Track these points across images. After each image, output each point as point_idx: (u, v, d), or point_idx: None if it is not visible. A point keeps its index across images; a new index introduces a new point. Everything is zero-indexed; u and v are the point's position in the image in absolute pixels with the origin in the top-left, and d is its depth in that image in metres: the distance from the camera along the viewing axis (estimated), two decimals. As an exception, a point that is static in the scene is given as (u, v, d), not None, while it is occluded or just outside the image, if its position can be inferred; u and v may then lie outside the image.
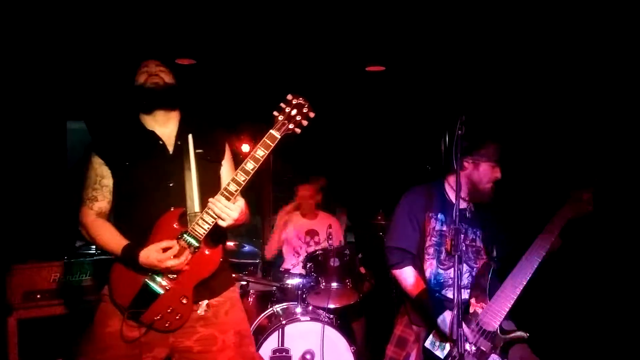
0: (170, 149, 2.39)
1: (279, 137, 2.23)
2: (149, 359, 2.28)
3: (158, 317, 2.24)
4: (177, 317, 2.26)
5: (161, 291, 2.24)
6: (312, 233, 4.84)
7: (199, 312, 2.32)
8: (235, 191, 2.20)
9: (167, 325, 2.26)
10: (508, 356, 2.55)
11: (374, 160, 6.07)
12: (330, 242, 4.02)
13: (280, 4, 3.58)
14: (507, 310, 2.53)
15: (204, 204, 2.26)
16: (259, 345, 3.49)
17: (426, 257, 2.78)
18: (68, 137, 4.64)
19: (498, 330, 2.54)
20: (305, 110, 2.25)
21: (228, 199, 2.18)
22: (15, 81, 3.92)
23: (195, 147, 2.39)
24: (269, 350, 3.50)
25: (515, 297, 2.53)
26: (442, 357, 2.60)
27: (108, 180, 2.35)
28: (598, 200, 2.62)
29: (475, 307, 2.61)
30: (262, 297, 4.17)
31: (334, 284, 3.85)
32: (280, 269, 4.80)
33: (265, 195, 6.37)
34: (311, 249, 4.61)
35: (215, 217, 2.19)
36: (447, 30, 3.97)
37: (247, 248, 4.96)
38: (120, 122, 2.47)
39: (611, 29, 3.54)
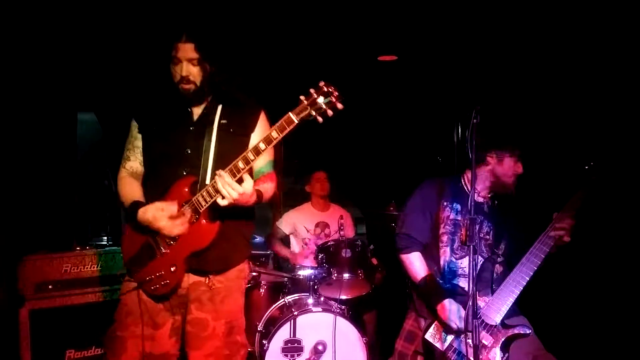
0: (195, 117, 2.41)
1: (297, 121, 2.15)
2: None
3: (148, 279, 2.30)
4: (163, 283, 2.30)
5: (157, 254, 2.29)
6: (322, 225, 4.81)
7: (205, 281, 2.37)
8: (243, 169, 2.17)
9: (153, 288, 2.31)
10: (509, 351, 2.53)
11: (386, 151, 6.03)
12: (342, 233, 4.00)
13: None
14: (509, 304, 2.53)
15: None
16: (270, 335, 3.49)
17: (440, 245, 2.78)
18: (78, 128, 4.64)
19: (500, 325, 2.52)
20: (333, 99, 2.15)
21: (234, 175, 2.16)
22: (26, 72, 3.91)
23: (221, 118, 2.38)
24: (280, 341, 3.48)
25: (518, 293, 2.54)
26: (441, 348, 2.59)
27: (139, 142, 2.46)
28: (605, 199, 2.59)
29: (477, 300, 2.60)
30: (274, 288, 4.16)
31: (346, 275, 3.83)
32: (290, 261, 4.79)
33: (276, 186, 6.34)
34: (320, 242, 4.59)
35: (216, 192, 2.18)
36: (460, 18, 3.92)
37: (258, 239, 4.95)
38: (158, 87, 2.49)
39: (631, 26, 3.49)
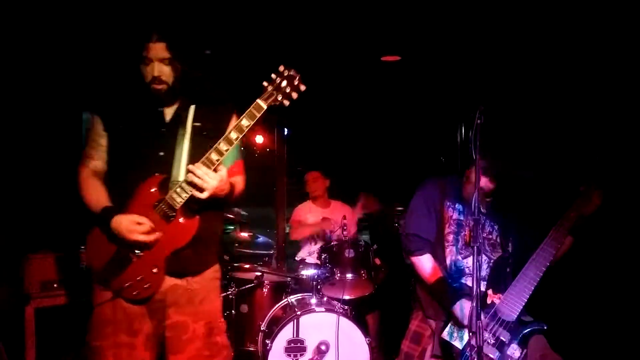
0: (168, 117, 2.36)
1: (265, 107, 2.18)
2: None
3: (127, 285, 2.23)
4: (146, 286, 2.24)
5: (133, 258, 2.22)
6: (327, 221, 4.84)
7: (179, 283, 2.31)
8: (217, 160, 2.15)
9: (135, 294, 2.24)
10: (528, 346, 2.54)
11: (389, 151, 6.03)
12: (345, 233, 4.01)
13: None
14: (525, 300, 2.54)
15: None
16: (273, 335, 3.49)
17: (446, 244, 2.79)
18: (83, 128, 4.65)
19: (517, 321, 2.53)
20: (296, 82, 2.19)
21: (208, 167, 2.14)
22: (31, 72, 3.92)
23: (194, 120, 2.34)
24: (284, 341, 3.49)
25: (532, 289, 2.54)
26: (460, 347, 2.59)
27: (104, 140, 2.36)
28: (613, 195, 2.59)
29: (493, 298, 2.62)
30: (277, 287, 4.17)
31: (349, 275, 3.84)
32: (296, 258, 4.81)
33: (279, 187, 6.37)
34: (325, 236, 4.63)
35: (194, 185, 2.14)
36: (463, 18, 3.92)
37: (261, 239, 4.96)
38: (124, 84, 2.43)
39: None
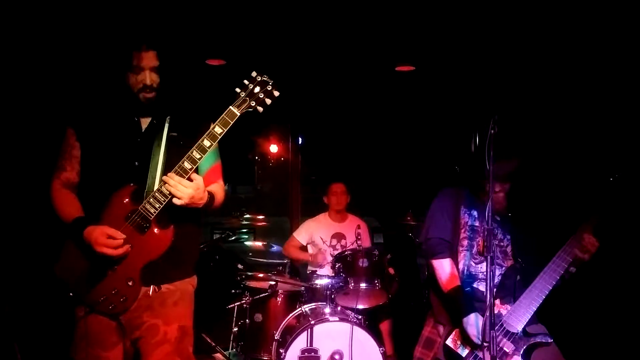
0: (143, 127, 2.34)
1: (239, 114, 2.15)
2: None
3: (102, 299, 2.18)
4: (122, 300, 2.20)
5: (107, 271, 2.18)
6: (339, 236, 4.83)
7: (150, 293, 2.27)
8: (190, 169, 2.12)
9: (110, 307, 2.19)
10: (530, 359, 2.53)
11: (403, 161, 6.03)
12: (359, 242, 4.01)
13: (311, 3, 3.58)
14: (532, 313, 2.54)
15: None
16: (287, 344, 3.50)
17: (460, 249, 2.79)
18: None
19: (521, 333, 2.52)
20: (269, 88, 2.17)
21: (182, 176, 2.11)
22: (34, 77, 3.95)
23: (170, 130, 2.32)
24: (297, 350, 3.49)
25: (540, 301, 2.53)
26: (462, 355, 2.59)
27: (77, 152, 2.33)
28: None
29: (499, 308, 2.62)
30: (291, 297, 4.17)
31: (363, 285, 3.84)
32: (307, 271, 4.81)
33: (294, 195, 6.39)
34: (337, 252, 4.61)
35: (168, 194, 2.11)
36: (477, 29, 3.92)
37: (275, 248, 4.98)
38: (99, 93, 2.42)
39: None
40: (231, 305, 4.15)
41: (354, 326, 3.54)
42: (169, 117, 2.34)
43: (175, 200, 2.11)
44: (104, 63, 2.39)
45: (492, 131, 2.37)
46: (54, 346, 3.35)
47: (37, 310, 3.63)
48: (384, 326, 4.51)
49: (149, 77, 2.24)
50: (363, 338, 3.54)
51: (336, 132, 6.05)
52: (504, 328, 2.55)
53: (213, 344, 4.48)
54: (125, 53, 2.24)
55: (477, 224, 2.79)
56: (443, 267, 2.81)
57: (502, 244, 2.81)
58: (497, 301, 2.61)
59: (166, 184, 2.11)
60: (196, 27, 3.90)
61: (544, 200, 3.36)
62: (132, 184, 2.23)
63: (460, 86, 4.97)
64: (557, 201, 3.73)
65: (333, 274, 4.00)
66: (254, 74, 2.18)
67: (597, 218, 2.56)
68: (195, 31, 3.93)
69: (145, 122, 2.35)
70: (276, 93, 2.18)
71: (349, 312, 3.80)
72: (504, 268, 2.75)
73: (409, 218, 4.81)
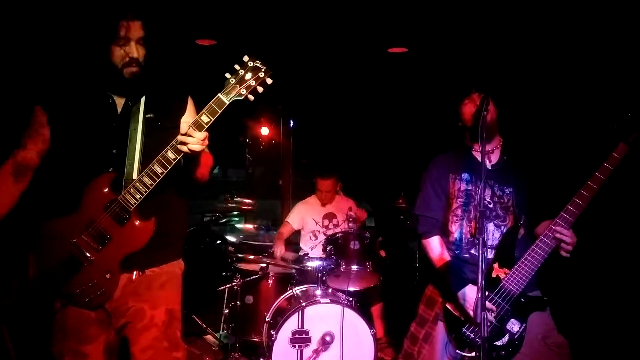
0: (119, 109, 2.17)
1: (227, 102, 1.99)
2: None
3: (78, 291, 2.06)
4: (99, 293, 2.07)
5: (83, 261, 2.04)
6: (330, 216, 4.86)
7: (133, 277, 2.15)
8: (174, 159, 2.00)
9: (87, 300, 2.07)
10: (527, 321, 2.54)
11: (395, 143, 6.02)
12: (350, 224, 4.01)
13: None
14: (530, 276, 2.50)
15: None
16: (278, 326, 3.50)
17: (455, 219, 2.77)
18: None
19: (520, 295, 2.53)
20: (261, 75, 2.00)
21: (165, 168, 2.01)
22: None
23: (146, 111, 2.16)
24: (288, 332, 3.49)
25: (539, 265, 2.50)
26: (462, 319, 2.61)
27: (46, 132, 2.15)
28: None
29: (498, 272, 2.60)
30: (282, 279, 4.17)
31: (354, 267, 3.85)
32: (300, 252, 4.81)
33: (285, 179, 6.38)
34: (330, 232, 4.61)
35: (150, 184, 1.99)
36: (470, 9, 3.89)
37: (262, 232, 4.98)
38: (72, 70, 2.25)
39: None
40: (222, 288, 4.15)
41: (345, 308, 3.55)
42: (144, 96, 2.19)
43: (182, 147, 1.98)
44: (83, 34, 2.14)
45: (485, 112, 2.35)
46: (42, 334, 3.33)
47: (25, 296, 3.60)
48: (375, 309, 4.54)
49: (136, 50, 2.06)
50: (354, 320, 3.55)
51: (328, 114, 6.02)
52: (502, 291, 2.55)
53: (204, 326, 4.50)
54: (111, 22, 2.03)
55: (470, 187, 2.76)
56: (431, 246, 2.81)
57: (502, 200, 2.75)
58: (496, 264, 2.60)
59: (143, 178, 2.00)
60: (186, 5, 3.84)
61: (552, 142, 3.26)
62: (111, 170, 2.10)
63: (453, 68, 4.94)
64: (566, 143, 3.66)
65: (324, 256, 4.00)
66: (245, 58, 2.02)
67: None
68: (184, 9, 3.86)
69: (120, 102, 2.18)
70: (269, 81, 2.02)
71: (340, 294, 3.81)
72: (504, 226, 2.71)
73: (400, 201, 4.82)
